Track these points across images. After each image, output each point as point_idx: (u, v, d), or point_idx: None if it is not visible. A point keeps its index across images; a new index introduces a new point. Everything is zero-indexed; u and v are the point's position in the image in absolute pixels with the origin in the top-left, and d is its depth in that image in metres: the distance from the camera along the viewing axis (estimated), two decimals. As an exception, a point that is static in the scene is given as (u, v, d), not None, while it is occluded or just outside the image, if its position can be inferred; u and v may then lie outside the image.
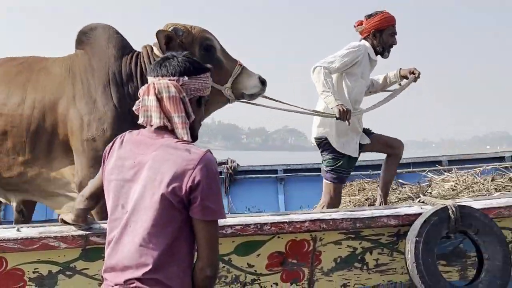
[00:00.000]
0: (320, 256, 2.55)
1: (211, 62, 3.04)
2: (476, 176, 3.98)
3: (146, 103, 1.65)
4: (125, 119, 3.06)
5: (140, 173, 1.61)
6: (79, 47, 3.38)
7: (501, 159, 4.83)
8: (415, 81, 3.83)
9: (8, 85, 3.20)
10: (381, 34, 3.71)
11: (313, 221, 2.40)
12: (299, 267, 2.57)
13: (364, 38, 3.77)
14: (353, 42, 3.76)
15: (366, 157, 4.33)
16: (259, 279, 2.58)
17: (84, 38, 3.35)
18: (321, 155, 3.83)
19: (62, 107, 3.14)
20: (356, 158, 3.80)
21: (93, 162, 3.03)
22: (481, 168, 4.13)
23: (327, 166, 3.77)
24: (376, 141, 3.84)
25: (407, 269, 2.39)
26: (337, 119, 3.44)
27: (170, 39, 3.11)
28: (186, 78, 1.65)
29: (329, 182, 3.78)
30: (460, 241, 2.56)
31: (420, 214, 2.40)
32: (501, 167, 4.21)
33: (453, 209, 2.34)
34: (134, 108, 1.73)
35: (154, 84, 1.65)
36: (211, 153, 1.62)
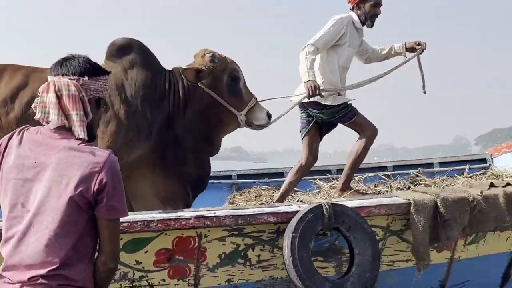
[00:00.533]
0: (205, 252, 2.59)
1: (235, 91, 3.53)
2: (360, 183, 4.23)
3: (44, 100, 1.64)
4: (159, 135, 3.41)
5: (43, 173, 1.59)
6: (110, 59, 3.46)
7: (384, 168, 5.16)
8: (421, 53, 4.03)
9: None
10: (364, 4, 3.99)
11: (198, 218, 2.45)
12: (185, 263, 2.60)
13: (352, 9, 4.04)
14: (336, 15, 3.98)
15: (263, 165, 4.47)
16: (147, 276, 2.58)
17: (116, 52, 3.46)
18: (319, 116, 3.94)
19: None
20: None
21: None
22: (364, 176, 4.40)
23: (336, 115, 3.90)
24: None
25: (284, 263, 2.48)
26: (308, 97, 3.67)
27: (199, 72, 3.37)
28: (86, 78, 1.67)
29: (353, 119, 3.89)
30: (336, 239, 2.68)
31: (297, 212, 2.51)
32: (383, 175, 4.52)
33: (327, 207, 2.47)
34: (32, 106, 1.71)
35: (54, 82, 1.65)
36: (114, 154, 1.65)
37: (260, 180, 5.12)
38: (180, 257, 2.58)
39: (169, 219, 2.44)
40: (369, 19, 4.03)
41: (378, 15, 4.07)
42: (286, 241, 2.44)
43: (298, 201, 2.76)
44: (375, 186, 4.14)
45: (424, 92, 4.06)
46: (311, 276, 2.42)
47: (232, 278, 2.66)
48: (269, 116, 3.62)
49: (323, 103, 3.83)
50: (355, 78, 4.14)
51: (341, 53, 3.93)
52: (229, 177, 5.59)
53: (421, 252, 2.64)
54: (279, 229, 2.58)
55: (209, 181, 5.50)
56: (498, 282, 3.20)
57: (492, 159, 5.23)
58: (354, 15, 4.03)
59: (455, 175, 4.45)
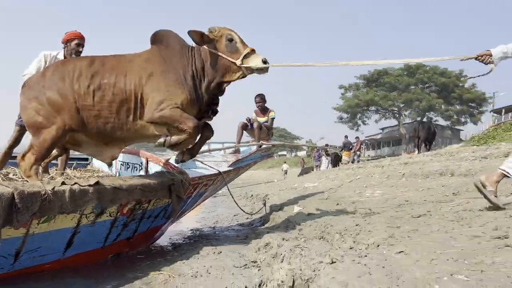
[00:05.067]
0: None
1: (232, 47, 3.46)
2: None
3: None
4: (189, 89, 3.45)
5: None
6: (153, 44, 3.61)
7: None
8: None
9: (115, 73, 3.40)
10: (70, 44, 4.23)
11: None
12: None
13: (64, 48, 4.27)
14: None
15: None
16: None
17: (157, 38, 3.60)
18: None
19: (144, 80, 3.39)
20: None
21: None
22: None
23: None
24: None
25: None
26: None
27: (201, 35, 3.41)
28: None
29: None
30: None
31: None
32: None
33: None
34: None
35: None
36: None
37: None
38: None
39: None
40: (74, 54, 4.21)
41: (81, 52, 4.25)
42: None
43: None
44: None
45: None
46: None
47: None
48: (264, 61, 3.42)
49: None
50: None
51: None
52: None
53: (-7, 232, 2.55)
54: None
55: None
56: (64, 247, 3.36)
57: (92, 158, 5.44)
58: (61, 52, 4.22)
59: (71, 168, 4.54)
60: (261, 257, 3.50)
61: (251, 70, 3.48)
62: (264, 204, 6.48)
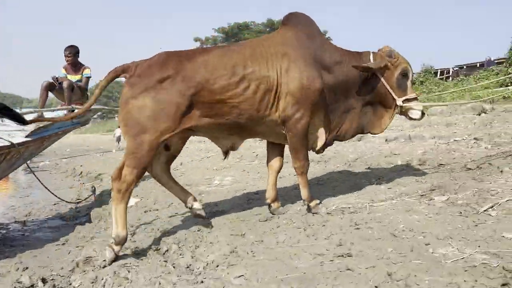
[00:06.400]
0: None
1: (400, 83, 3.43)
2: None
3: None
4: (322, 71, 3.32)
5: None
6: (285, 25, 3.45)
7: None
8: None
9: (257, 61, 3.19)
10: None
11: None
12: None
13: None
14: None
15: None
16: None
17: (289, 20, 3.45)
18: None
19: (285, 65, 3.21)
20: None
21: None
22: None
23: None
24: None
25: None
26: None
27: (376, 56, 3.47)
28: None
29: None
30: None
31: None
32: None
33: None
34: None
35: None
36: None
37: None
38: None
39: None
40: None
41: None
42: None
43: None
44: None
45: None
46: None
47: None
48: (423, 113, 3.46)
49: None
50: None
51: None
52: None
53: None
54: None
55: None
56: None
57: None
58: None
59: None
60: (76, 284, 2.90)
61: (405, 114, 3.53)
62: (94, 192, 5.70)
